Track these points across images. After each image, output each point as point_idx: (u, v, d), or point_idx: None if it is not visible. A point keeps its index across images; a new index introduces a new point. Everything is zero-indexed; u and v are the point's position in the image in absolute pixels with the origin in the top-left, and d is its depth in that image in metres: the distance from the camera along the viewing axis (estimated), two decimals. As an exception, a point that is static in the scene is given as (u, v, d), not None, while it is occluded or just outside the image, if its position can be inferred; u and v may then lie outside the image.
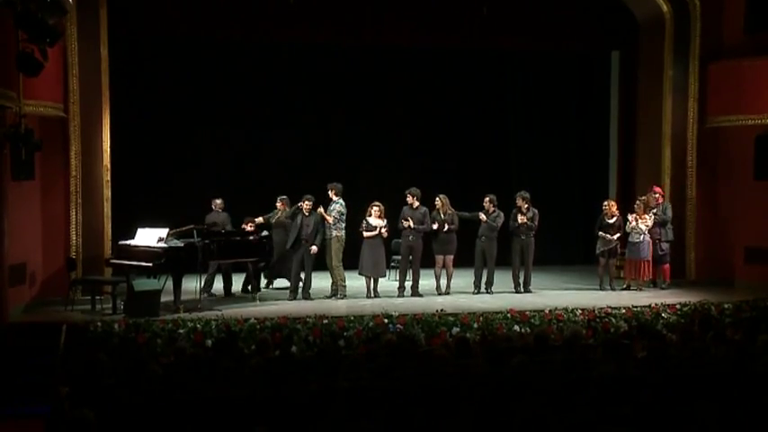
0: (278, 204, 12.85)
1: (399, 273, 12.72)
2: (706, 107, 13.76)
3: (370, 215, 12.30)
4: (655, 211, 13.09)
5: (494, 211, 12.65)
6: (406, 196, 12.49)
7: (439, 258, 12.69)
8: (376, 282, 12.39)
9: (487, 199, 12.68)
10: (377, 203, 12.40)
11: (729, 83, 13.43)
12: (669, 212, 13.27)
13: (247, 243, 11.92)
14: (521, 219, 12.67)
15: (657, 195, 13.22)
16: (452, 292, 12.64)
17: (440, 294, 12.52)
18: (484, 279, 12.78)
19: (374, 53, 15.15)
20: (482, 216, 12.58)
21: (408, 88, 15.82)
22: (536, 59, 16.33)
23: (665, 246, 13.18)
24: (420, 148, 15.92)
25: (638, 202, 13.08)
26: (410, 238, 12.39)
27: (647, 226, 12.87)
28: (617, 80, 15.68)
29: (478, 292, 12.67)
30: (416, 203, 12.48)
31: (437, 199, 12.63)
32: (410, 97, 15.84)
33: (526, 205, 12.74)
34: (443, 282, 12.68)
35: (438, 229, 12.48)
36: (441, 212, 12.56)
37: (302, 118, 15.38)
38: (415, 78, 15.80)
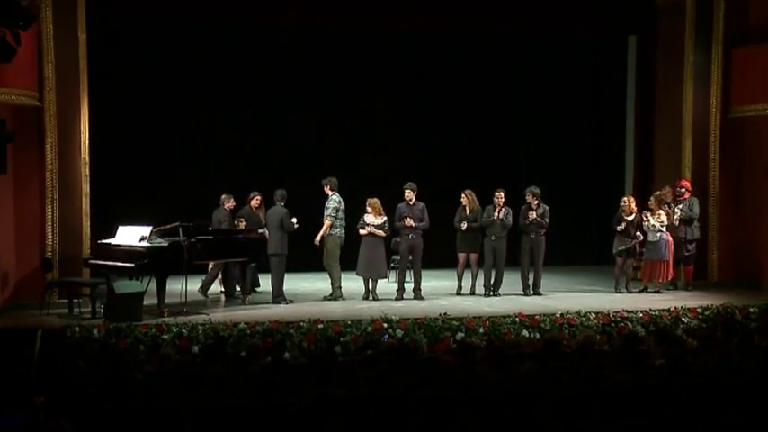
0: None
1: (399, 274, 12.72)
2: (730, 95, 13.74)
3: (367, 212, 12.32)
4: (681, 207, 13.09)
5: (503, 208, 12.64)
6: (404, 192, 12.49)
7: (461, 256, 12.76)
8: (374, 283, 12.40)
9: (501, 194, 12.66)
10: (373, 200, 12.39)
11: (755, 69, 13.41)
12: (696, 209, 13.28)
13: (236, 242, 11.92)
14: (531, 215, 12.66)
15: (684, 190, 13.22)
16: (457, 294, 12.69)
17: (459, 294, 12.69)
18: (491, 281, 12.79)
19: (372, 38, 15.14)
20: (496, 214, 12.55)
21: (410, 76, 15.84)
22: (547, 45, 16.33)
23: (690, 246, 13.21)
24: (422, 140, 15.94)
25: (652, 198, 13.07)
26: (410, 236, 12.40)
27: (663, 223, 12.86)
28: (634, 67, 15.64)
29: (489, 294, 12.67)
30: (414, 199, 12.48)
31: (463, 195, 12.67)
32: (412, 85, 15.87)
33: (536, 201, 12.73)
34: (467, 282, 12.78)
35: (466, 228, 12.57)
36: (467, 209, 12.60)
37: (296, 107, 15.40)
38: (417, 65, 15.83)
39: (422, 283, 12.59)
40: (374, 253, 12.29)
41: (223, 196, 12.78)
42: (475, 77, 16.21)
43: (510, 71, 16.74)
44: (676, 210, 13.14)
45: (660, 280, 12.98)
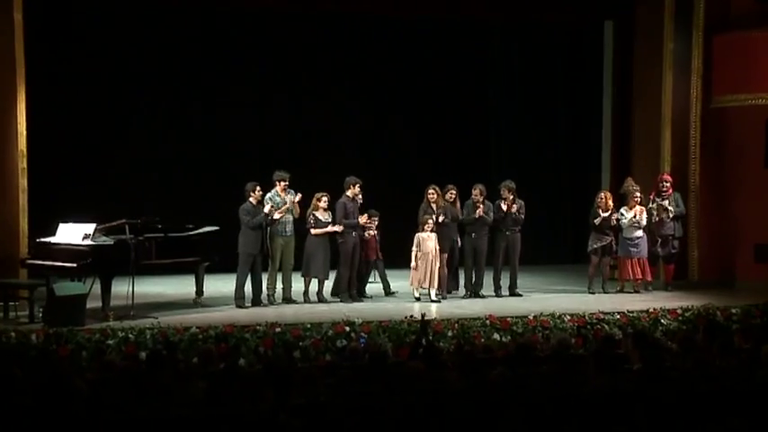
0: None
1: (347, 273, 12.58)
2: (711, 85, 13.90)
3: (317, 209, 12.28)
4: (667, 202, 13.22)
5: (483, 204, 12.66)
6: (355, 186, 12.46)
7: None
8: (322, 285, 12.43)
9: (477, 190, 12.69)
10: (324, 194, 12.35)
11: (737, 57, 13.58)
12: (682, 204, 13.43)
13: (188, 241, 11.87)
14: (513, 208, 12.69)
15: (668, 185, 13.33)
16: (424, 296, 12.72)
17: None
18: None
19: (337, 22, 15.12)
20: (480, 212, 12.56)
21: (374, 62, 15.81)
22: (519, 31, 16.39)
23: (676, 243, 13.39)
24: (386, 131, 15.92)
25: (631, 190, 13.15)
26: (353, 234, 12.38)
27: (643, 217, 13.01)
28: (610, 55, 15.72)
29: (470, 295, 12.73)
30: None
31: (431, 190, 12.64)
32: (376, 73, 15.83)
33: (512, 196, 12.80)
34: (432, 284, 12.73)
35: (442, 221, 12.52)
36: (435, 206, 12.59)
37: (251, 96, 15.30)
38: (382, 51, 15.81)
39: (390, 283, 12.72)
40: (327, 252, 12.33)
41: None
42: (444, 66, 16.20)
43: (480, 59, 16.77)
44: (668, 206, 13.25)
45: (641, 279, 13.12)
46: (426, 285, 12.42)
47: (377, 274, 13.18)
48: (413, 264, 12.41)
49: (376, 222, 12.78)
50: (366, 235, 12.65)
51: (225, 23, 14.91)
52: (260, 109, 15.37)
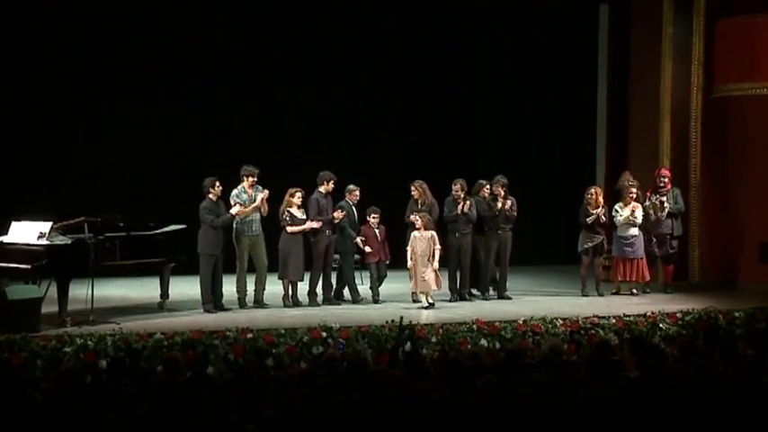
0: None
1: (314, 275, 12.58)
2: (713, 73, 13.95)
3: (291, 205, 12.26)
4: (665, 198, 13.25)
5: (466, 201, 12.67)
6: (333, 183, 12.49)
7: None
8: (295, 286, 12.44)
9: (458, 186, 12.69)
10: (297, 189, 12.34)
11: (741, 44, 13.64)
12: (681, 200, 13.48)
13: (152, 240, 11.85)
14: (506, 204, 12.73)
15: (666, 180, 13.37)
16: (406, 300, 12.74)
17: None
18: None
19: (317, 9, 15.11)
20: (465, 207, 12.55)
21: (356, 51, 15.76)
22: (508, 16, 16.39)
23: (674, 243, 13.44)
24: (363, 123, 15.88)
25: (627, 186, 13.20)
26: (327, 233, 12.41)
27: (639, 215, 13.06)
28: (606, 41, 15.76)
29: (457, 299, 12.73)
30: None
31: (413, 187, 12.66)
32: (352, 58, 15.79)
33: (504, 193, 12.84)
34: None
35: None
36: (419, 203, 12.59)
37: (224, 83, 15.22)
38: (365, 39, 15.75)
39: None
40: (301, 253, 12.33)
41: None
42: (428, 53, 16.17)
43: (467, 45, 16.78)
44: (666, 203, 13.28)
45: (636, 281, 13.18)
46: (425, 289, 12.31)
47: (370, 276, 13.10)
48: (409, 265, 12.39)
49: (377, 220, 12.78)
50: (359, 242, 12.67)
51: (191, 8, 14.83)
52: (229, 100, 15.28)
